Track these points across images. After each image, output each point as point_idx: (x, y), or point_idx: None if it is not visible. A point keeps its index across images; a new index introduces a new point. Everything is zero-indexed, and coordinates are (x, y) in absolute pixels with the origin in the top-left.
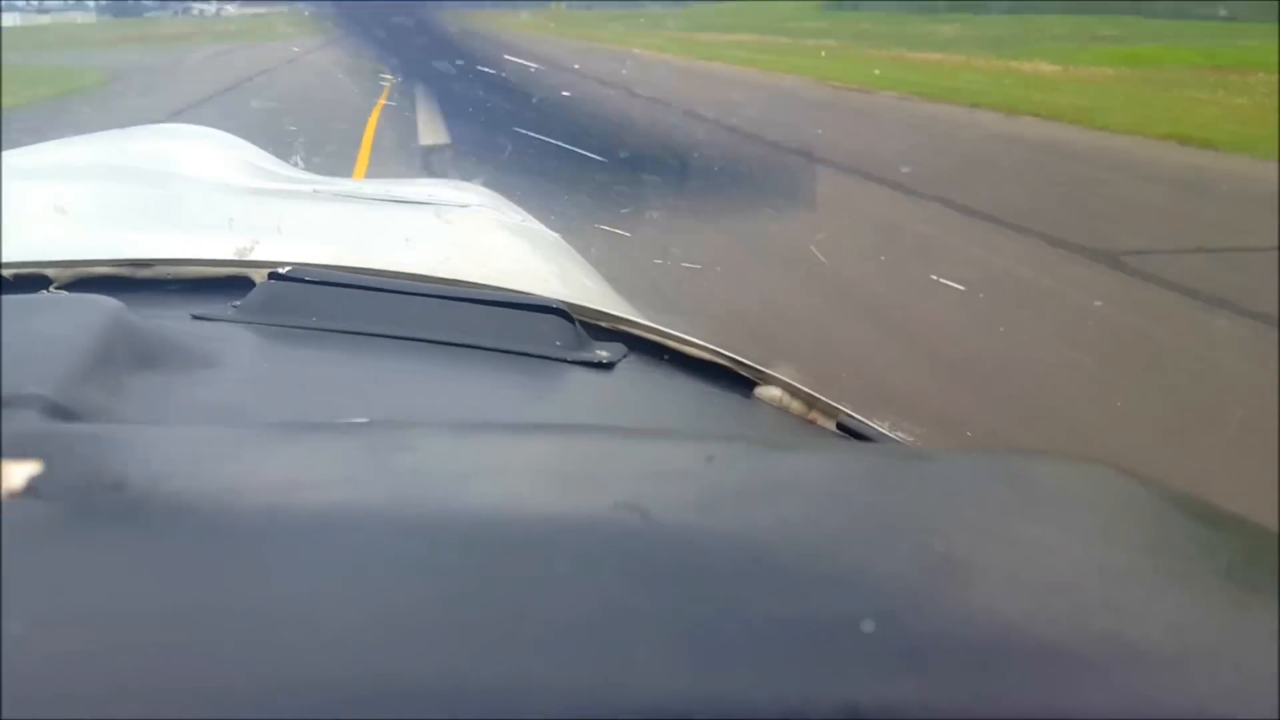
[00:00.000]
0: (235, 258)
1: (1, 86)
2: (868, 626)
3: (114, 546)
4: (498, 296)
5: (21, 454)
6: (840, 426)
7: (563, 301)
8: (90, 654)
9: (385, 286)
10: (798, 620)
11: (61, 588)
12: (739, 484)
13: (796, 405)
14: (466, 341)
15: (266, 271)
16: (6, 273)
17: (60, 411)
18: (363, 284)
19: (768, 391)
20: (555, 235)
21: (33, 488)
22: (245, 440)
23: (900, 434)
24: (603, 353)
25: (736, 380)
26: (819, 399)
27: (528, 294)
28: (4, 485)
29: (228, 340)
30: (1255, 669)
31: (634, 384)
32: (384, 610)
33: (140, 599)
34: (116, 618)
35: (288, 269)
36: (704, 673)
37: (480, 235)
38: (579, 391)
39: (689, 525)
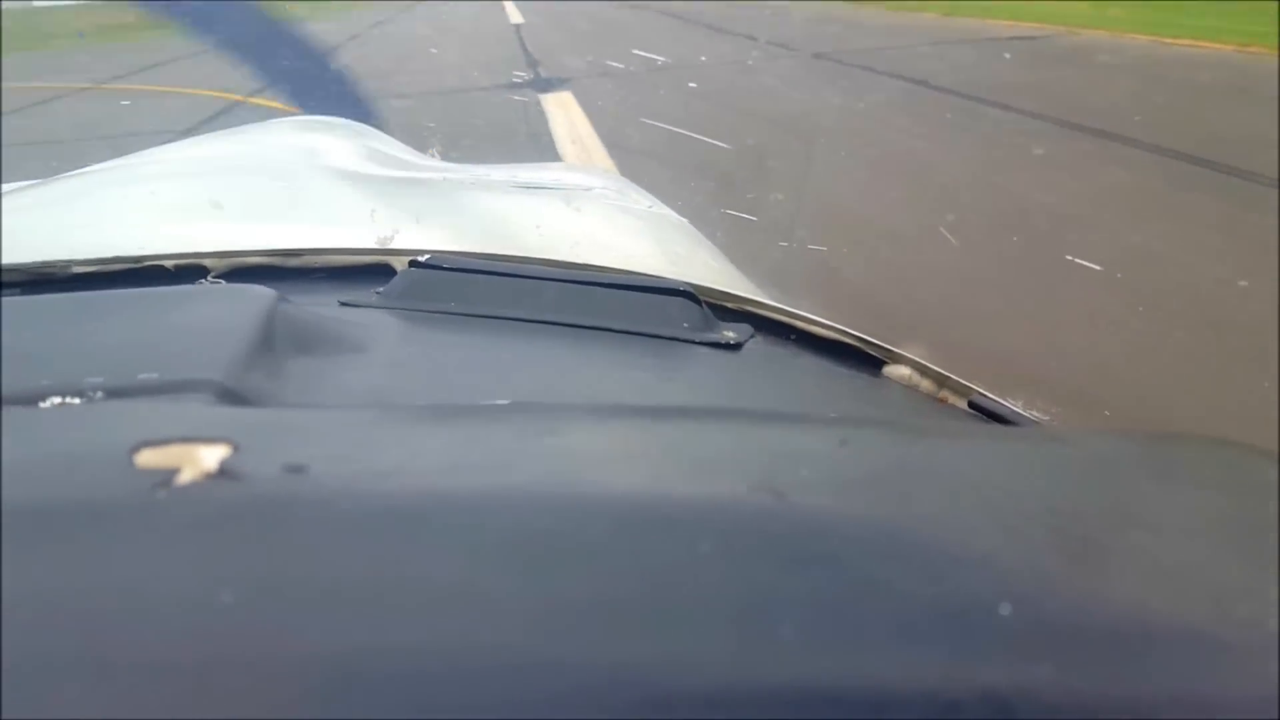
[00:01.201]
0: (377, 246)
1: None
2: (1004, 610)
3: (301, 526)
4: (627, 280)
5: (210, 437)
6: (972, 405)
7: (689, 284)
8: (288, 623)
9: (519, 272)
10: (935, 603)
11: (259, 563)
12: (873, 468)
13: (927, 384)
14: (598, 324)
15: (407, 259)
16: (168, 264)
17: (229, 396)
18: (498, 270)
19: (897, 370)
20: (681, 219)
21: (225, 470)
22: (406, 423)
23: (1034, 413)
24: (730, 334)
25: (865, 360)
26: (950, 378)
27: (656, 277)
28: (200, 467)
29: (373, 325)
30: None
31: (762, 364)
32: (542, 590)
33: (327, 575)
34: (309, 591)
35: (427, 256)
36: (844, 653)
37: (608, 220)
38: (708, 372)
39: (825, 508)
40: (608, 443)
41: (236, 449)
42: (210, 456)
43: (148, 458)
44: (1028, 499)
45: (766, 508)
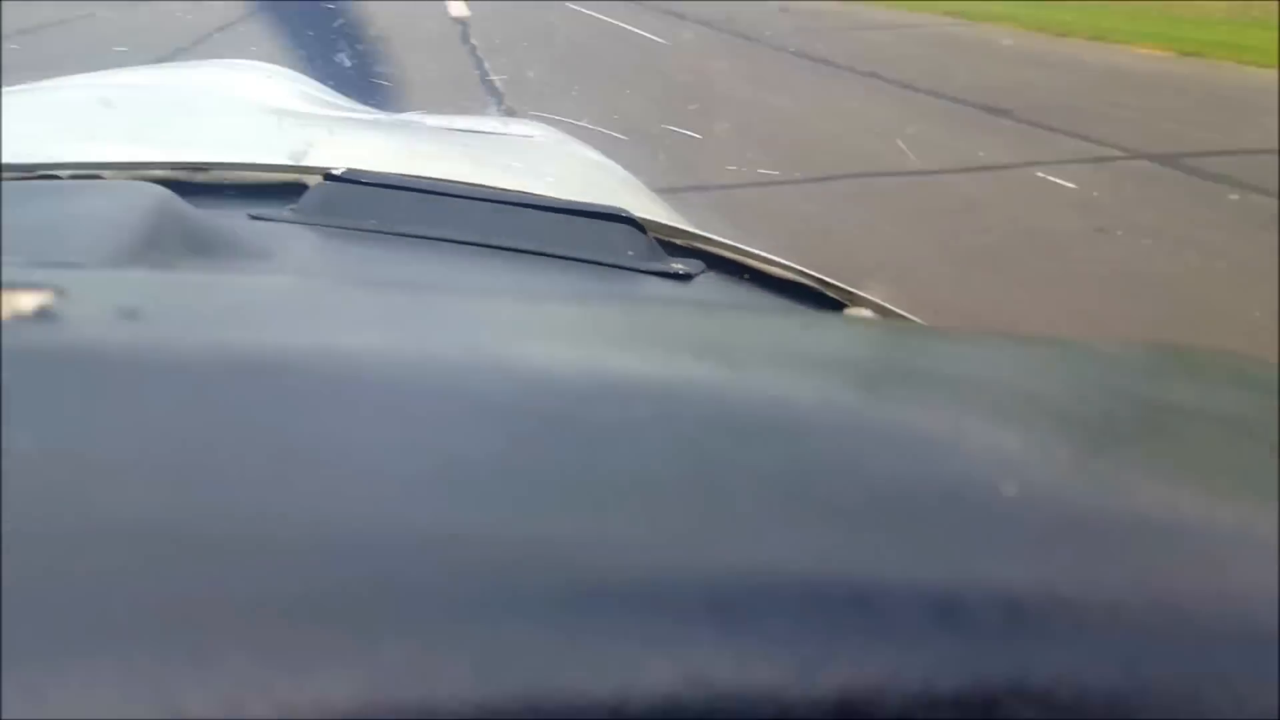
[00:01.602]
0: (290, 163)
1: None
2: (1009, 489)
3: (127, 374)
4: (564, 204)
5: (35, 285)
6: None
7: (635, 216)
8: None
9: (446, 190)
10: (923, 483)
11: (69, 413)
12: (844, 350)
13: None
14: (533, 248)
15: (323, 175)
16: (64, 174)
17: None
18: (422, 187)
19: (858, 313)
20: (626, 172)
21: (42, 312)
22: (297, 288)
23: None
24: (679, 266)
25: (824, 301)
26: (913, 320)
27: (597, 204)
28: (13, 309)
29: (284, 240)
30: None
31: (717, 297)
32: (453, 456)
33: (158, 428)
34: (127, 446)
35: (343, 170)
36: (818, 534)
37: (548, 162)
38: (656, 302)
39: (788, 382)
40: (534, 321)
41: (61, 294)
42: (28, 301)
43: None
44: (1022, 389)
45: (715, 377)
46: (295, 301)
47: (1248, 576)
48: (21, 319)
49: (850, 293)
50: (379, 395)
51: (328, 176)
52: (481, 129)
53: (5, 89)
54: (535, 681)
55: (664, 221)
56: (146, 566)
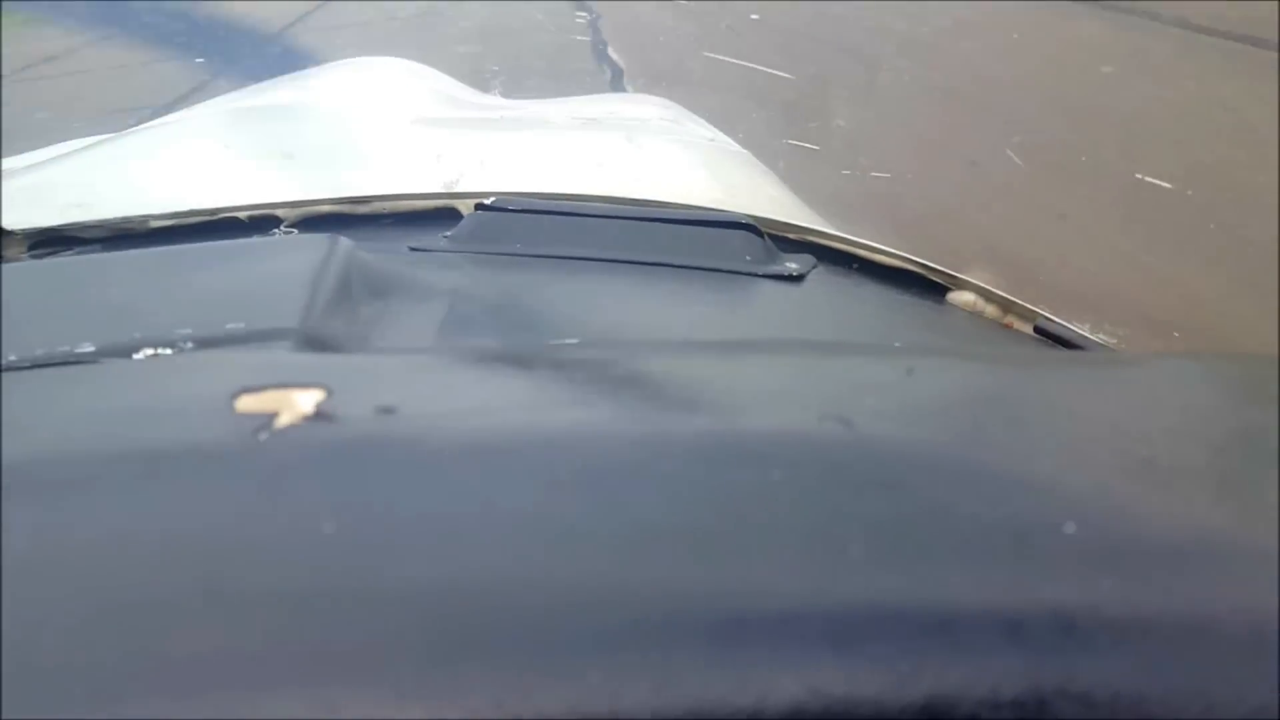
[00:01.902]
0: (443, 190)
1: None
2: (1069, 529)
3: (394, 463)
4: (688, 215)
5: (304, 383)
6: (1038, 330)
7: (751, 216)
8: (386, 555)
9: (582, 211)
10: (1001, 525)
11: (357, 500)
12: (940, 394)
13: (992, 310)
14: (661, 260)
15: (473, 202)
16: (242, 215)
17: (312, 342)
18: (561, 210)
19: (961, 296)
20: (741, 149)
21: (321, 412)
22: (484, 364)
23: (1101, 337)
24: (792, 265)
25: (929, 286)
26: (1015, 303)
27: (717, 210)
28: (297, 411)
29: (442, 269)
30: None
31: (825, 295)
32: (620, 520)
33: (420, 509)
34: (404, 524)
35: (492, 199)
36: (914, 573)
37: (668, 154)
38: (772, 305)
39: (892, 435)
40: (682, 377)
41: (330, 393)
42: (306, 401)
43: (247, 403)
44: (1092, 422)
45: (835, 436)
46: (494, 377)
47: (1261, 593)
48: (305, 419)
49: (954, 277)
50: (575, 469)
51: (479, 206)
52: (603, 116)
53: (158, 121)
54: (695, 697)
55: (777, 218)
56: (417, 614)
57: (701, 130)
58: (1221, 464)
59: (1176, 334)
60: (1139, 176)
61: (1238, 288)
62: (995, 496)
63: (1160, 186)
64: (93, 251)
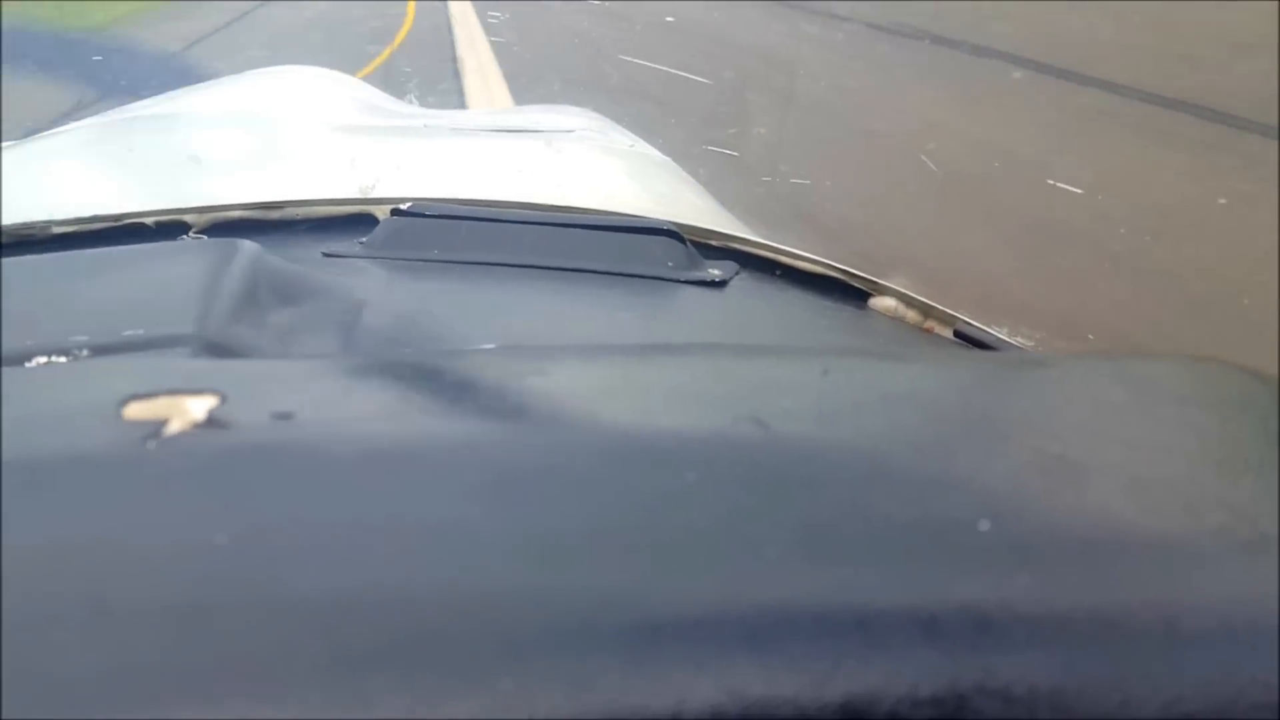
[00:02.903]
0: (359, 196)
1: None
2: (984, 526)
3: (290, 471)
4: (610, 221)
5: (197, 389)
6: (957, 334)
7: (674, 222)
8: (281, 564)
9: (502, 217)
10: (916, 522)
11: (250, 508)
12: (855, 394)
13: (912, 315)
14: (583, 266)
15: (389, 208)
16: (148, 221)
17: (214, 349)
18: (480, 215)
19: (882, 302)
20: (664, 157)
21: (213, 419)
22: (391, 370)
23: (1018, 340)
24: (715, 271)
25: (851, 292)
26: (935, 307)
27: (639, 217)
28: (188, 418)
29: (357, 275)
30: None
31: (748, 300)
32: (532, 524)
33: (318, 517)
34: (300, 533)
35: (409, 205)
36: (830, 573)
37: (590, 161)
38: (694, 310)
39: (807, 435)
40: (593, 381)
41: (224, 399)
42: (198, 407)
43: (136, 410)
44: (1007, 420)
45: (750, 437)
46: (401, 381)
47: (1186, 587)
48: (196, 425)
49: (875, 283)
50: (486, 475)
51: (395, 211)
52: (526, 126)
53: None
54: (612, 700)
55: (700, 225)
56: (320, 625)
57: (623, 139)
58: (1132, 460)
59: (1091, 336)
60: (1050, 182)
61: None
62: (910, 495)
63: (1069, 191)
64: None
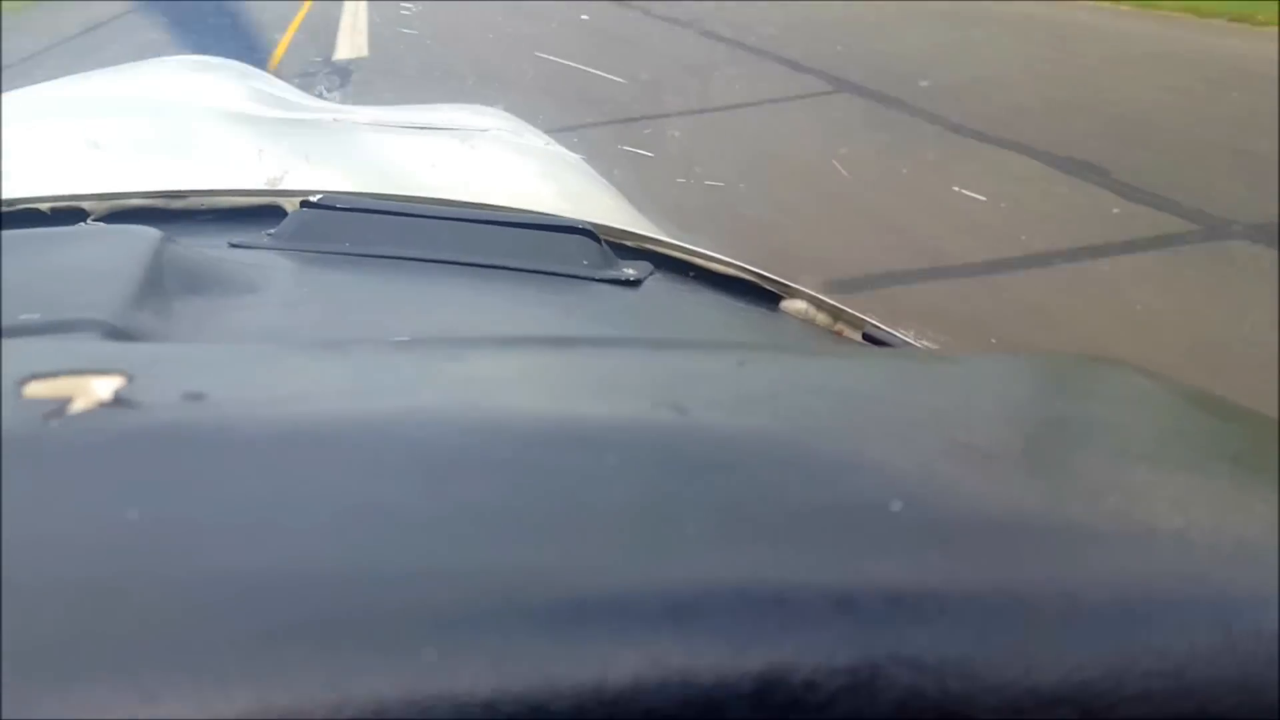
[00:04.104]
0: (267, 187)
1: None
2: (895, 506)
3: (202, 451)
4: (526, 219)
5: (103, 369)
6: (866, 337)
7: (589, 222)
8: (190, 544)
9: (414, 212)
10: (831, 503)
11: (160, 488)
12: (770, 385)
13: (822, 318)
14: (495, 263)
15: (298, 200)
16: (44, 206)
17: (118, 334)
18: (393, 209)
19: (793, 305)
20: (577, 157)
21: (120, 399)
22: (305, 354)
23: (925, 343)
24: (630, 270)
25: (762, 295)
26: (845, 311)
27: (554, 215)
28: (93, 397)
29: (265, 267)
30: (1254, 541)
31: (662, 300)
32: (447, 504)
33: (229, 497)
34: (211, 513)
35: (319, 197)
36: (748, 551)
37: (504, 160)
38: (608, 309)
39: (725, 422)
40: (512, 369)
41: (131, 379)
42: (104, 387)
43: (36, 389)
44: (916, 410)
45: (669, 422)
46: (314, 366)
47: (1087, 565)
48: (102, 405)
49: (787, 286)
50: (406, 455)
51: (304, 203)
52: (438, 124)
53: None
54: (536, 673)
55: (615, 225)
56: (236, 599)
57: (537, 139)
58: (1034, 448)
59: (994, 339)
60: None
61: None
62: (825, 478)
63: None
64: None
